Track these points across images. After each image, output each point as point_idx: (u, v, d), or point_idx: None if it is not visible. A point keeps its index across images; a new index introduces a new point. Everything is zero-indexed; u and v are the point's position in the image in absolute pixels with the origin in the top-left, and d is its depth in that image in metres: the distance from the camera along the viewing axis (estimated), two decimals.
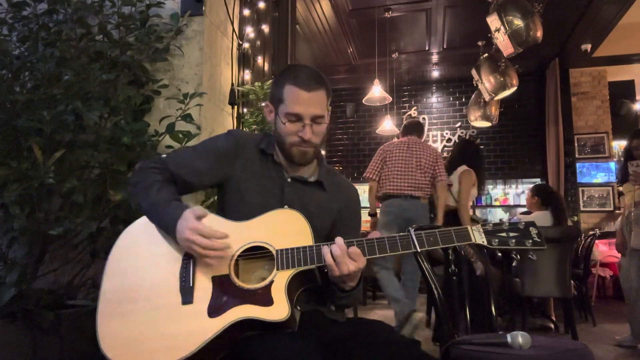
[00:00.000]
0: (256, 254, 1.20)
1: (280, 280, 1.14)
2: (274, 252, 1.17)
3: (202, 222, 1.13)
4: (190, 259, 1.17)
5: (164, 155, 1.34)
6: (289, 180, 1.33)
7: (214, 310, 1.11)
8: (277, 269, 1.15)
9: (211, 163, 1.30)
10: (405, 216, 3.64)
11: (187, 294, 1.13)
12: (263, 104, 2.65)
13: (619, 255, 3.66)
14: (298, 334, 1.11)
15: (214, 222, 1.23)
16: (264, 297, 1.12)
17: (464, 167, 3.72)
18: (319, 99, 1.26)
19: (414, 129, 4.05)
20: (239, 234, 1.20)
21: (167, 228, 1.17)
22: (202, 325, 1.09)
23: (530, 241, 1.21)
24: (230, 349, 1.13)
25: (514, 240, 1.22)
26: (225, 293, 1.13)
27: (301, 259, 1.16)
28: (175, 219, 1.14)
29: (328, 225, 1.35)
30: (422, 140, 4.02)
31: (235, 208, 1.29)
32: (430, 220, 3.76)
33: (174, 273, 1.16)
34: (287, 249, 1.17)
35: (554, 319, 4.24)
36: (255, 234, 1.20)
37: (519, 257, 1.25)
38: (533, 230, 1.23)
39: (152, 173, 1.24)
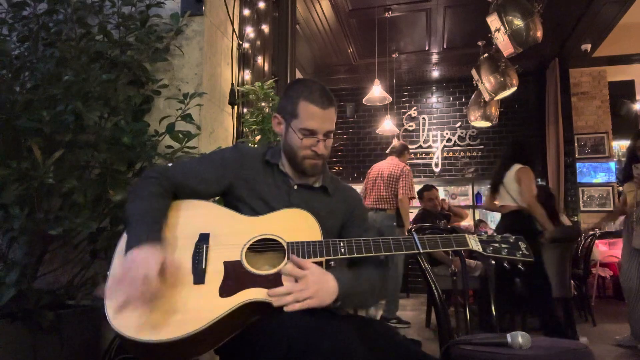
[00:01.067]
0: (265, 247, 1.24)
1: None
2: (284, 245, 1.22)
3: (156, 274, 1.08)
4: (203, 244, 1.21)
5: (170, 164, 1.36)
6: (295, 187, 1.38)
7: (225, 290, 1.14)
8: (288, 259, 1.20)
9: (217, 172, 1.34)
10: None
11: (199, 275, 1.16)
12: (263, 104, 2.66)
13: (619, 255, 3.67)
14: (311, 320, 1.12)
15: (226, 215, 1.30)
16: (274, 282, 1.15)
17: (518, 166, 3.56)
18: (331, 116, 1.33)
19: (392, 151, 4.81)
20: (251, 227, 1.26)
21: (133, 238, 1.13)
22: (213, 304, 1.11)
23: (520, 253, 1.35)
24: (239, 332, 1.15)
25: (506, 251, 1.35)
26: (237, 276, 1.17)
27: (311, 252, 1.22)
28: (144, 239, 1.12)
29: (337, 227, 1.41)
30: (403, 157, 4.77)
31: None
32: (397, 227, 4.45)
33: (187, 255, 1.20)
34: (297, 242, 1.23)
35: None
36: (266, 228, 1.25)
37: (509, 266, 1.38)
38: (522, 245, 1.37)
39: (150, 184, 1.26)
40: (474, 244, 1.33)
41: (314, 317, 1.09)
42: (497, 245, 1.35)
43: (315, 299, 1.13)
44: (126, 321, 1.08)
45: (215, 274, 1.17)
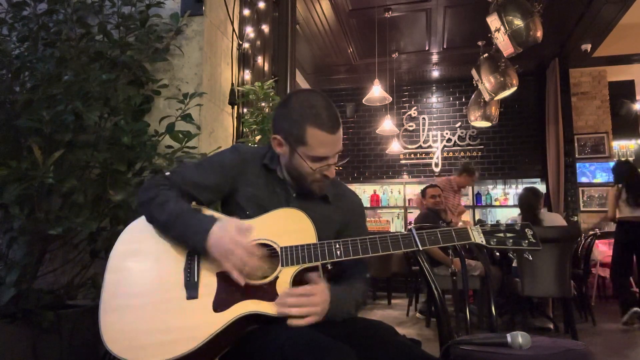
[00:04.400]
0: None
1: (284, 276, 1.16)
2: (278, 250, 1.19)
3: (244, 236, 1.13)
4: (194, 255, 1.18)
5: (167, 173, 1.32)
6: (294, 195, 1.33)
7: (219, 304, 1.12)
8: (282, 266, 1.17)
9: (217, 178, 1.29)
10: None
11: (192, 289, 1.14)
12: (263, 104, 2.66)
13: None
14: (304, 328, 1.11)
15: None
16: (269, 293, 1.13)
17: None
18: (340, 136, 1.27)
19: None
20: None
21: (196, 234, 1.14)
22: (207, 320, 1.10)
23: (527, 242, 1.26)
24: (234, 344, 1.14)
25: (511, 241, 1.26)
26: (230, 288, 1.14)
27: (305, 256, 1.18)
28: (208, 226, 1.14)
29: (332, 236, 1.34)
30: (460, 176, 5.31)
31: None
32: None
33: (178, 268, 1.17)
34: (291, 247, 1.19)
35: (552, 318, 4.24)
36: (259, 232, 1.21)
37: (515, 255, 1.28)
38: (529, 232, 1.28)
39: (164, 189, 1.23)
40: (476, 236, 1.26)
41: (310, 330, 1.07)
42: (501, 235, 1.26)
43: (315, 317, 1.13)
44: (122, 344, 1.07)
45: (208, 286, 1.14)
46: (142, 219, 1.24)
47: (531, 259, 1.28)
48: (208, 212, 1.25)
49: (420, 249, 1.23)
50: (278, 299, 1.12)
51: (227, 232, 1.13)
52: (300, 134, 1.22)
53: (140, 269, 1.17)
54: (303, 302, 1.12)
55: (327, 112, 1.23)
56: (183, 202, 1.22)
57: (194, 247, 1.16)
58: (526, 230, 1.28)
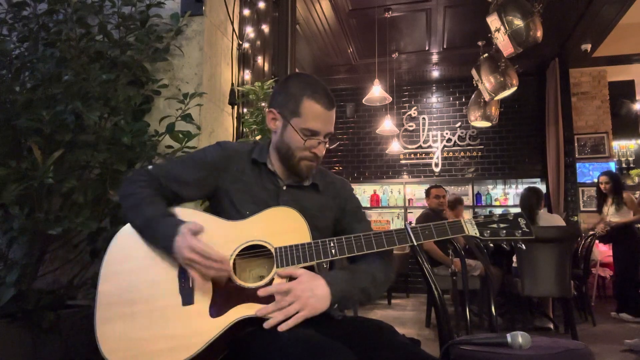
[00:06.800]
0: (254, 252, 1.20)
1: (280, 278, 1.15)
2: (272, 251, 1.17)
3: (198, 240, 1.12)
4: None
5: (150, 167, 1.31)
6: (284, 188, 1.32)
7: (216, 310, 1.11)
8: (277, 267, 1.16)
9: (199, 175, 1.28)
10: None
11: (187, 295, 1.13)
12: (263, 104, 2.66)
13: None
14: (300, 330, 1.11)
15: (209, 222, 1.23)
16: (265, 296, 1.12)
17: None
18: (334, 117, 1.30)
19: None
20: (236, 233, 1.20)
21: (164, 244, 1.14)
22: (204, 325, 1.09)
23: (520, 231, 1.26)
24: (231, 347, 1.14)
25: (504, 232, 1.26)
26: (226, 292, 1.13)
27: (300, 257, 1.17)
28: (171, 235, 1.13)
29: (331, 224, 1.36)
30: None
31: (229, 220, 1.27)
32: None
33: (172, 274, 1.16)
34: (285, 247, 1.18)
35: (552, 318, 4.25)
36: (252, 233, 1.20)
37: (508, 245, 1.28)
38: (522, 221, 1.27)
39: (140, 187, 1.22)
40: (470, 228, 1.25)
41: (309, 331, 1.07)
42: (495, 226, 1.26)
43: (306, 310, 1.10)
44: (119, 354, 1.07)
45: (203, 291, 1.13)
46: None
47: (524, 248, 1.28)
48: (177, 210, 1.23)
49: (415, 243, 1.22)
50: (258, 312, 1.10)
51: (183, 238, 1.11)
52: (296, 105, 1.25)
53: (133, 277, 1.15)
54: (282, 304, 1.10)
55: (324, 90, 1.27)
56: (155, 204, 1.20)
57: (166, 254, 1.16)
58: (519, 219, 1.27)
